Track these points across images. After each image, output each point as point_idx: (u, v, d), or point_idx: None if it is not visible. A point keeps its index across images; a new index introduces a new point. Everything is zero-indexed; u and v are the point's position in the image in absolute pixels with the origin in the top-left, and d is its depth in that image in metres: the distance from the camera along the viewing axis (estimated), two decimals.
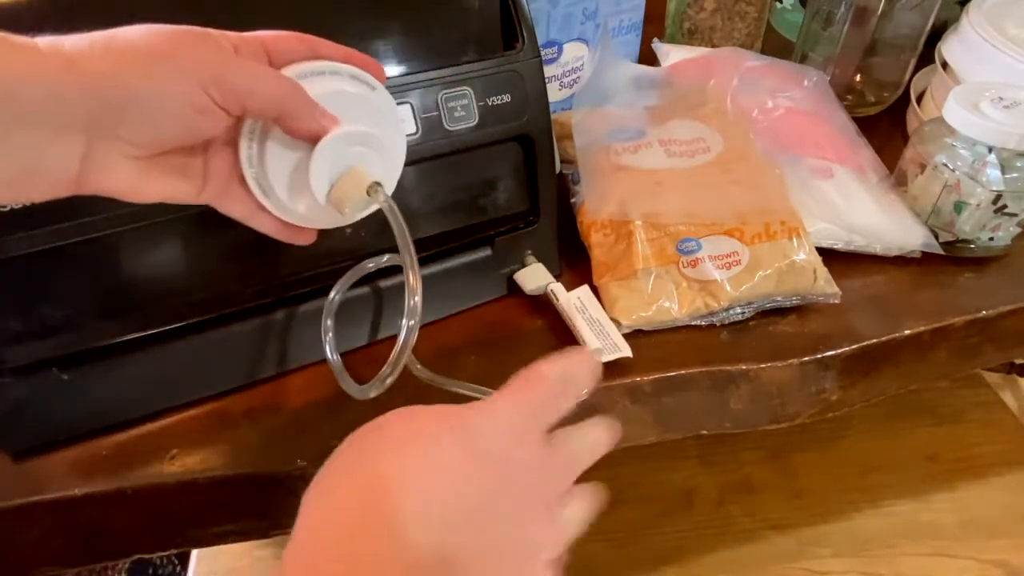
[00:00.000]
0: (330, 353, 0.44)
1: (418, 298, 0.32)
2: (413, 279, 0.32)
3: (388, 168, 0.35)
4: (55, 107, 0.25)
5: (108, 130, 0.26)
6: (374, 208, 0.34)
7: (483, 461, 0.24)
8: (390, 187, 0.35)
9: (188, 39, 0.28)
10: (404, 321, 0.33)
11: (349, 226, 0.38)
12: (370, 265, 0.44)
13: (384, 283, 0.48)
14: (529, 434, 0.26)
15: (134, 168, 0.28)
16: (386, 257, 0.45)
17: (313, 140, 0.31)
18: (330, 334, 0.44)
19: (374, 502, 0.22)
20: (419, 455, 0.24)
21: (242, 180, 0.32)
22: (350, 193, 0.33)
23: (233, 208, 0.33)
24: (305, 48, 0.32)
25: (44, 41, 0.25)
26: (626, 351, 0.45)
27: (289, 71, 0.31)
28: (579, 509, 0.26)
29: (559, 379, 0.27)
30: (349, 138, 0.32)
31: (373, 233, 0.45)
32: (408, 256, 0.33)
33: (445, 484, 0.23)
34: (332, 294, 0.44)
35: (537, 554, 0.25)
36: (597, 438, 0.28)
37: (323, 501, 0.24)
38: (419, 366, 0.44)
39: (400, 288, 0.48)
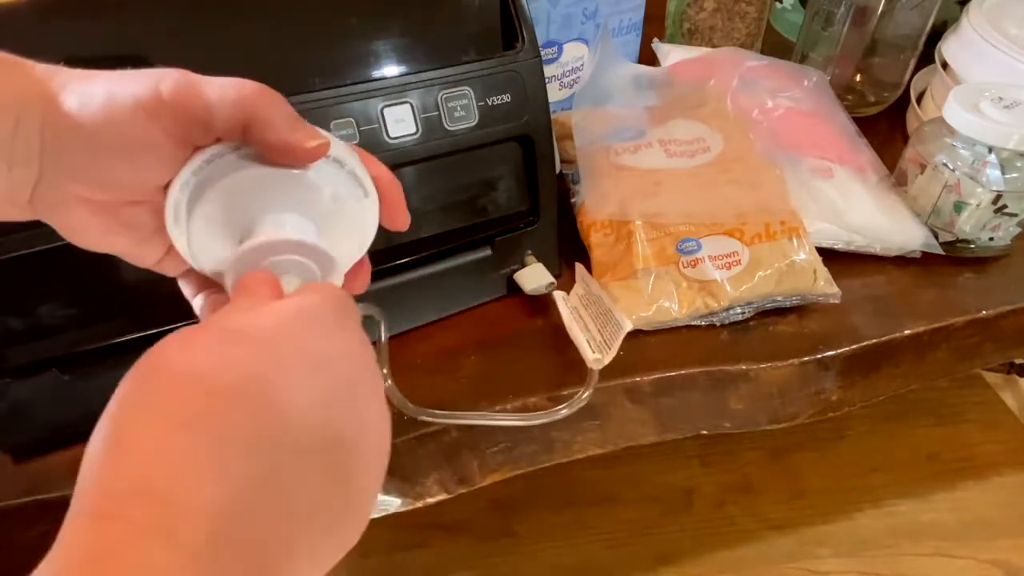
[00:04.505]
0: None
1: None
2: None
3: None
4: (19, 138, 0.24)
5: (58, 164, 0.25)
6: None
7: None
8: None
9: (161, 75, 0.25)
10: None
11: None
12: None
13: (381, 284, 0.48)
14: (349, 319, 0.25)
15: (81, 211, 0.26)
16: None
17: (286, 156, 0.26)
18: None
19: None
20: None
21: None
22: None
23: (185, 286, 0.31)
24: None
25: (40, 69, 0.24)
26: (627, 326, 0.44)
27: None
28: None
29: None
30: (279, 247, 0.26)
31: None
32: None
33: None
34: None
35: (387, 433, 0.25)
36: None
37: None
38: (410, 405, 0.43)
39: (393, 289, 0.48)
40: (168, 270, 0.30)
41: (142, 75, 0.25)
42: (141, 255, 0.28)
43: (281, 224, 0.27)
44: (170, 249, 0.28)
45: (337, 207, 0.28)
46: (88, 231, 0.27)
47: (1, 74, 0.24)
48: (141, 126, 0.24)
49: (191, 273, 0.30)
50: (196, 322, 0.31)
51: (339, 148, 0.27)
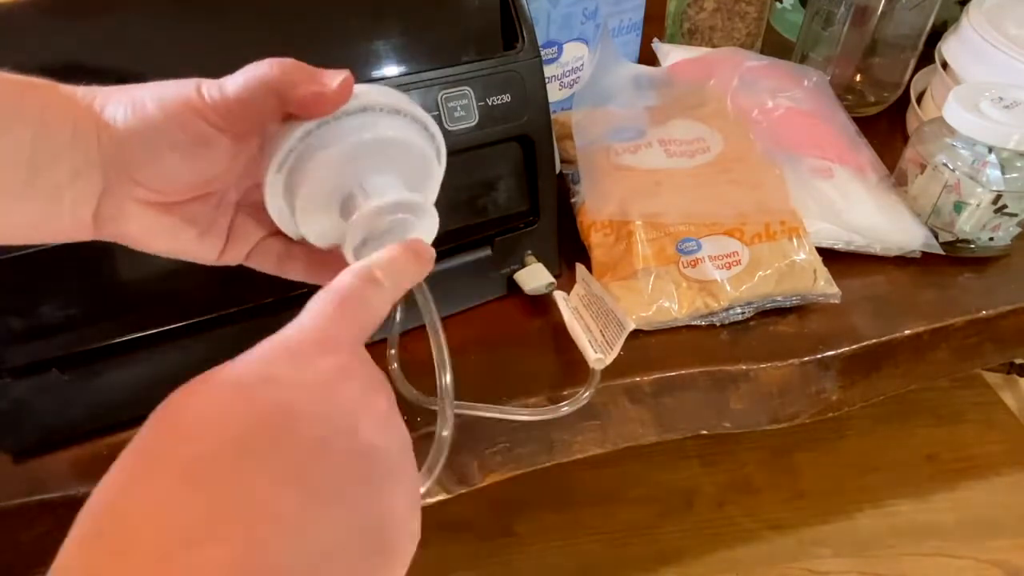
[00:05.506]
0: None
1: (451, 412, 0.28)
2: (447, 377, 0.28)
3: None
4: (77, 146, 0.25)
5: (122, 169, 0.26)
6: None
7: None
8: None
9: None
10: (438, 431, 0.28)
11: None
12: None
13: None
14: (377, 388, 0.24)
15: (148, 214, 0.28)
16: None
17: (320, 104, 0.26)
18: None
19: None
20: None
21: (268, 234, 0.31)
22: None
23: (262, 262, 0.32)
24: None
25: (81, 90, 0.26)
26: (629, 326, 0.45)
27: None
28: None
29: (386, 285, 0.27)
30: (394, 208, 0.28)
31: None
32: (439, 351, 0.29)
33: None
34: None
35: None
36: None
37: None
38: (415, 392, 0.42)
39: None
40: (231, 260, 0.32)
41: (181, 82, 0.27)
42: (204, 250, 0.30)
43: (379, 187, 0.28)
44: (228, 241, 0.30)
45: (418, 162, 0.30)
46: (154, 234, 0.28)
47: (48, 93, 0.25)
48: (192, 122, 0.26)
49: (253, 258, 0.32)
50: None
51: (401, 100, 0.29)
